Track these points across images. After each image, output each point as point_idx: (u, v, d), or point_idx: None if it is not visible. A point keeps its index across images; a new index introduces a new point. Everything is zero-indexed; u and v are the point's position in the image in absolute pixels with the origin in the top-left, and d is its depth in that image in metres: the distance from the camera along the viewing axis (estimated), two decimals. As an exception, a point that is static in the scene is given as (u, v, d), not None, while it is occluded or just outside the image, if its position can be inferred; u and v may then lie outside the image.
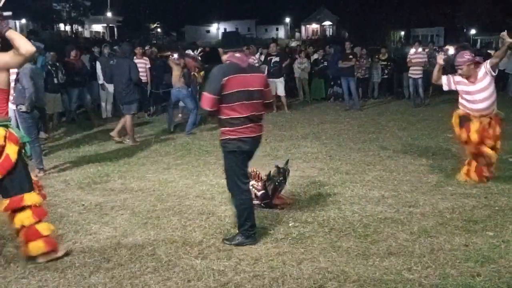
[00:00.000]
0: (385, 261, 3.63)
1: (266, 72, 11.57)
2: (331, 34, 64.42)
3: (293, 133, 9.27)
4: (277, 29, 70.06)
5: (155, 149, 7.96)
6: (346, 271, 3.49)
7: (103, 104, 11.14)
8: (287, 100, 12.38)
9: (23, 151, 3.75)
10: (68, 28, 50.16)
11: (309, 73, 13.95)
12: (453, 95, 15.16)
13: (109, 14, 52.19)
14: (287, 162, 5.15)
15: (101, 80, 10.79)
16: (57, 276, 3.52)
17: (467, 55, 5.47)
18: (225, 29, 71.74)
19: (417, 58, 12.36)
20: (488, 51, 18.39)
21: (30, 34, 16.11)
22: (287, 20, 70.08)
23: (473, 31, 53.29)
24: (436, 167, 6.32)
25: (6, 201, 3.65)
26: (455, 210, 4.68)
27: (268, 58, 12.01)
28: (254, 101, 3.88)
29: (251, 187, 4.89)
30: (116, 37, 47.44)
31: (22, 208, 3.66)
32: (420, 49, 12.78)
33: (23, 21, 43.36)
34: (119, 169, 6.62)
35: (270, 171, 4.98)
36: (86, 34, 52.97)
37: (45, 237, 3.73)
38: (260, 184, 4.86)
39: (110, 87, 10.00)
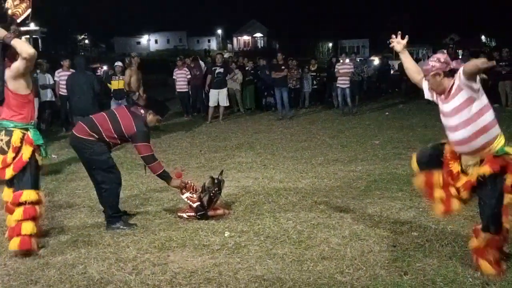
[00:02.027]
0: (319, 265, 3.73)
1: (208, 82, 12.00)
2: (262, 45, 65.53)
3: (227, 143, 9.31)
4: (209, 41, 70.27)
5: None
6: (281, 277, 3.54)
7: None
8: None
9: (40, 151, 4.23)
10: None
11: (241, 84, 14.11)
12: (380, 102, 15.63)
13: (32, 25, 49.84)
14: (221, 173, 5.16)
15: None
16: (-21, 303, 3.31)
17: (433, 61, 3.40)
18: (156, 40, 70.91)
19: (344, 69, 12.85)
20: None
21: None
22: (219, 31, 70.48)
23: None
24: (365, 173, 6.58)
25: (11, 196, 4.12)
26: (383, 213, 4.90)
27: (213, 68, 12.35)
28: None
29: (185, 199, 4.88)
30: (40, 49, 45.36)
31: (20, 204, 4.03)
32: (347, 60, 13.31)
33: None
34: (46, 187, 6.31)
35: (204, 183, 4.96)
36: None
37: (22, 236, 3.98)
38: (195, 195, 4.83)
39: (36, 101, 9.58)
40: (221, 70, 12.40)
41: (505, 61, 12.44)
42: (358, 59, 17.10)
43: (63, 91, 10.76)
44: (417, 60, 16.81)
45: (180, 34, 69.65)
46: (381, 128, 10.51)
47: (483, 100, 3.29)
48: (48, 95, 11.50)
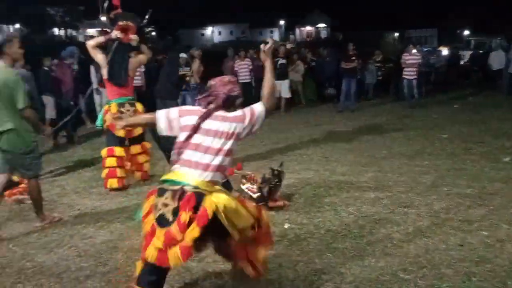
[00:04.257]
0: (381, 261, 3.64)
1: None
2: (325, 36, 64.63)
3: (288, 135, 9.28)
4: (271, 32, 70.15)
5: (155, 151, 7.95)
6: (342, 272, 3.49)
7: (98, 108, 11.10)
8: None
9: None
10: (62, 32, 50.09)
11: (302, 75, 14.00)
12: (448, 94, 15.06)
13: (103, 18, 52.11)
14: (281, 164, 5.15)
15: (95, 85, 10.78)
16: (53, 281, 3.52)
17: None
18: (219, 32, 71.92)
19: (411, 60, 12.41)
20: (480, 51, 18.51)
21: (24, 39, 16.09)
22: (281, 22, 70.23)
23: (466, 32, 53.57)
24: (431, 168, 6.34)
25: None
26: (450, 210, 4.70)
27: (275, 59, 12.34)
28: None
29: (245, 190, 4.93)
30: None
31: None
32: (414, 51, 12.84)
33: (17, 25, 43.27)
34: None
35: (265, 174, 4.98)
36: (81, 38, 52.88)
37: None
38: (255, 186, 4.86)
39: (104, 91, 10.00)
40: (283, 61, 12.40)
41: None
42: (425, 49, 16.44)
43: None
44: (490, 50, 15.94)
45: (243, 26, 70.10)
46: (449, 121, 10.06)
47: None
48: None
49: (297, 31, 70.01)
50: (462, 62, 19.40)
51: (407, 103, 12.64)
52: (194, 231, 2.68)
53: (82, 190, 5.87)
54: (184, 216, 2.68)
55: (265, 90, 3.01)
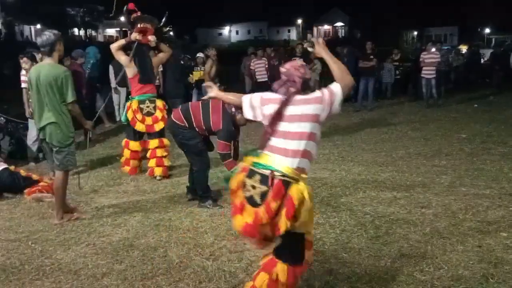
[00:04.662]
0: (397, 262, 3.61)
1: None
2: (343, 35, 64.21)
3: (305, 134, 9.24)
4: (289, 31, 69.98)
5: (170, 150, 8.00)
6: (357, 272, 3.48)
7: (116, 107, 11.22)
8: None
9: None
10: (82, 32, 50.69)
11: (320, 74, 13.92)
12: (468, 93, 14.83)
13: (122, 18, 52.62)
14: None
15: (113, 84, 10.90)
16: (71, 278, 3.57)
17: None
18: (237, 31, 72.02)
19: (430, 58, 12.25)
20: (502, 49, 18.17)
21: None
22: (299, 21, 69.98)
23: (487, 30, 52.71)
24: (449, 168, 6.26)
25: None
26: (468, 211, 4.64)
27: (292, 58, 12.26)
28: None
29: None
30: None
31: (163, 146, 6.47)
32: (433, 49, 12.66)
33: (38, 26, 43.91)
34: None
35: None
36: (100, 38, 53.48)
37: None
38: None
39: (123, 91, 10.11)
40: (301, 60, 12.33)
41: None
42: (445, 48, 16.19)
43: None
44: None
45: (261, 25, 70.07)
46: (468, 121, 9.92)
47: None
48: None
49: (315, 29, 69.69)
50: (482, 61, 19.09)
51: (425, 103, 12.49)
52: (285, 223, 2.70)
53: (99, 189, 5.94)
54: (273, 204, 2.72)
55: (335, 73, 2.94)
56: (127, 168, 6.53)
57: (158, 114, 6.24)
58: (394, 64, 14.35)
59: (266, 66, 13.37)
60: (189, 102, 5.39)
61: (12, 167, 6.03)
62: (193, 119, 4.94)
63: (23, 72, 6.88)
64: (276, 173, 2.75)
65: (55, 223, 4.71)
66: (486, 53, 20.08)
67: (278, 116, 2.88)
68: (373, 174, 6.15)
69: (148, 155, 6.36)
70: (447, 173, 6.04)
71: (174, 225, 4.55)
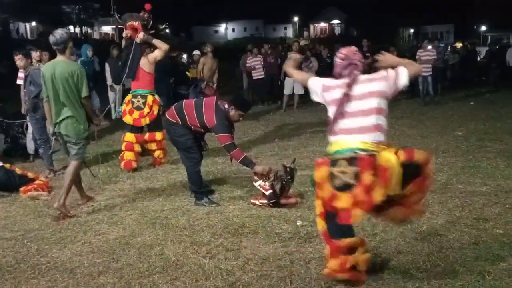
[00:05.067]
0: (394, 259, 3.61)
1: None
2: (339, 32, 64.21)
3: (301, 132, 9.25)
4: (285, 28, 69.91)
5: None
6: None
7: (112, 105, 11.18)
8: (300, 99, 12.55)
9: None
10: (77, 30, 50.49)
11: (316, 72, 13.92)
12: (464, 91, 14.84)
13: (122, 16, 52.33)
14: (293, 161, 5.14)
15: (109, 82, 10.87)
16: (66, 276, 3.55)
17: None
18: (233, 29, 71.90)
19: (426, 56, 12.27)
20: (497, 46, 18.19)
21: (40, 37, 16.28)
22: (295, 19, 69.92)
23: (483, 28, 52.80)
24: (446, 165, 6.27)
25: None
26: (464, 208, 4.64)
27: (288, 53, 12.38)
28: None
29: (258, 187, 4.92)
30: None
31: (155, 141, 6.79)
32: (429, 47, 12.69)
33: (33, 23, 43.73)
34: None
35: (277, 171, 4.97)
36: (96, 35, 53.28)
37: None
38: (267, 183, 4.85)
39: (118, 88, 10.09)
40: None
41: None
42: (441, 45, 16.21)
43: None
44: (508, 46, 15.69)
45: (257, 22, 69.92)
46: (465, 119, 9.95)
47: None
48: None
49: (311, 27, 69.67)
50: (478, 59, 19.13)
51: (421, 100, 12.52)
52: (379, 192, 2.83)
53: (95, 187, 5.92)
54: (367, 176, 2.84)
55: (406, 67, 3.12)
56: (123, 163, 6.63)
57: (146, 110, 6.48)
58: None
59: (262, 63, 13.38)
60: (183, 100, 5.37)
61: (7, 165, 6.01)
62: (187, 117, 4.96)
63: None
64: (359, 152, 2.91)
65: (54, 207, 4.81)
66: (482, 51, 20.09)
67: (346, 97, 3.06)
68: (370, 171, 6.13)
69: (154, 146, 6.71)
70: (443, 170, 6.04)
71: (171, 223, 4.54)
